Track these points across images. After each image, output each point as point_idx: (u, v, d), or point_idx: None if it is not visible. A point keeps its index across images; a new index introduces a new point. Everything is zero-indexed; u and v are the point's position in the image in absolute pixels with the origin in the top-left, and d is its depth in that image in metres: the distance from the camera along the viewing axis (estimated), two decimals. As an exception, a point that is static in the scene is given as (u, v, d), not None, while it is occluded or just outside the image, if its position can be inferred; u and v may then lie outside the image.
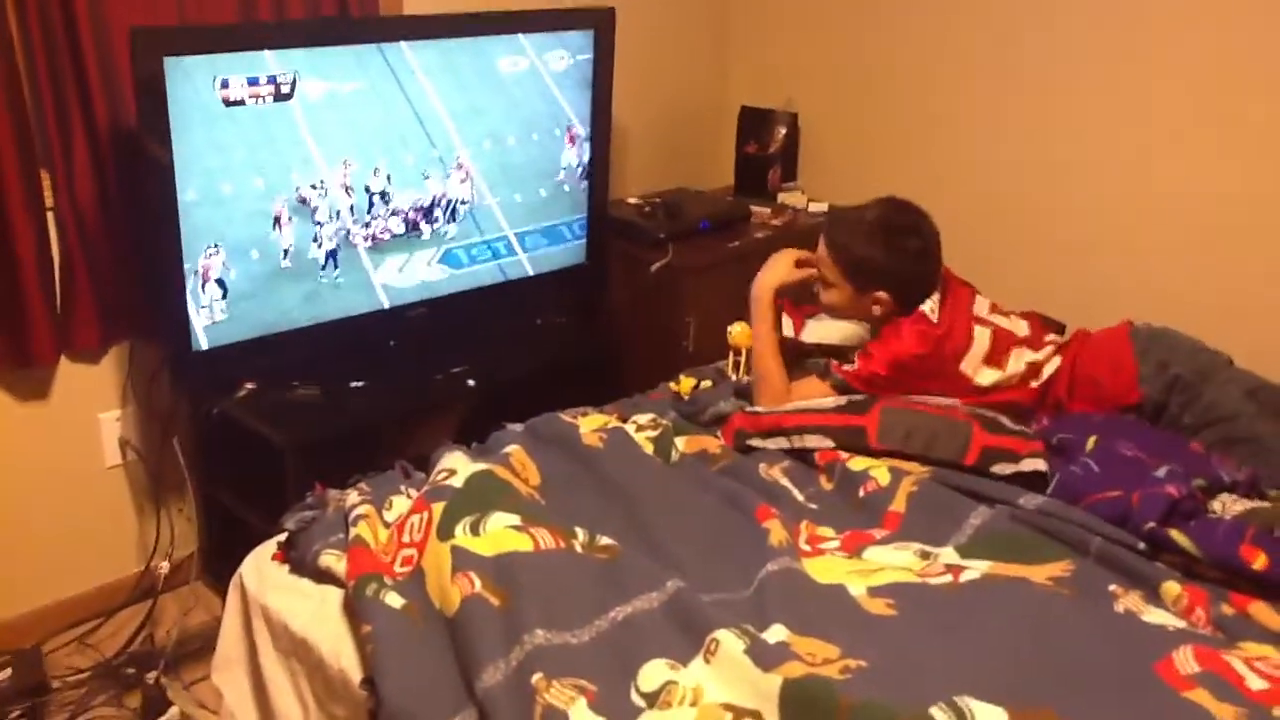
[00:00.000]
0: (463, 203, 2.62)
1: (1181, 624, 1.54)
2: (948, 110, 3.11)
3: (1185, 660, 1.39)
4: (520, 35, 2.61)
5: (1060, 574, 1.65)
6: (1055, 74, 2.86)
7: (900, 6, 3.14)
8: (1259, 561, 1.61)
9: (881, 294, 2.24)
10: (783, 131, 3.42)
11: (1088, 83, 2.80)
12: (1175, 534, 1.68)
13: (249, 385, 2.42)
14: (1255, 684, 1.34)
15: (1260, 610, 1.59)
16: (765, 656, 1.40)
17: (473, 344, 2.74)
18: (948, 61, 3.07)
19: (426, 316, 2.64)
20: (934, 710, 1.27)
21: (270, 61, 2.19)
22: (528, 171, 2.75)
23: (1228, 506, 1.83)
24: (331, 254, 2.41)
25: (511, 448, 1.93)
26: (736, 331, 2.44)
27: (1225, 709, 1.29)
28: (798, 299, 2.47)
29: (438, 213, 2.57)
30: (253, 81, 2.18)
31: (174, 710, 2.20)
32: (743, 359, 2.42)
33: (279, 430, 2.31)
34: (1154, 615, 1.56)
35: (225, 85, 2.14)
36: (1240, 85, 2.55)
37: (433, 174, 2.54)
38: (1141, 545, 1.72)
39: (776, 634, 1.46)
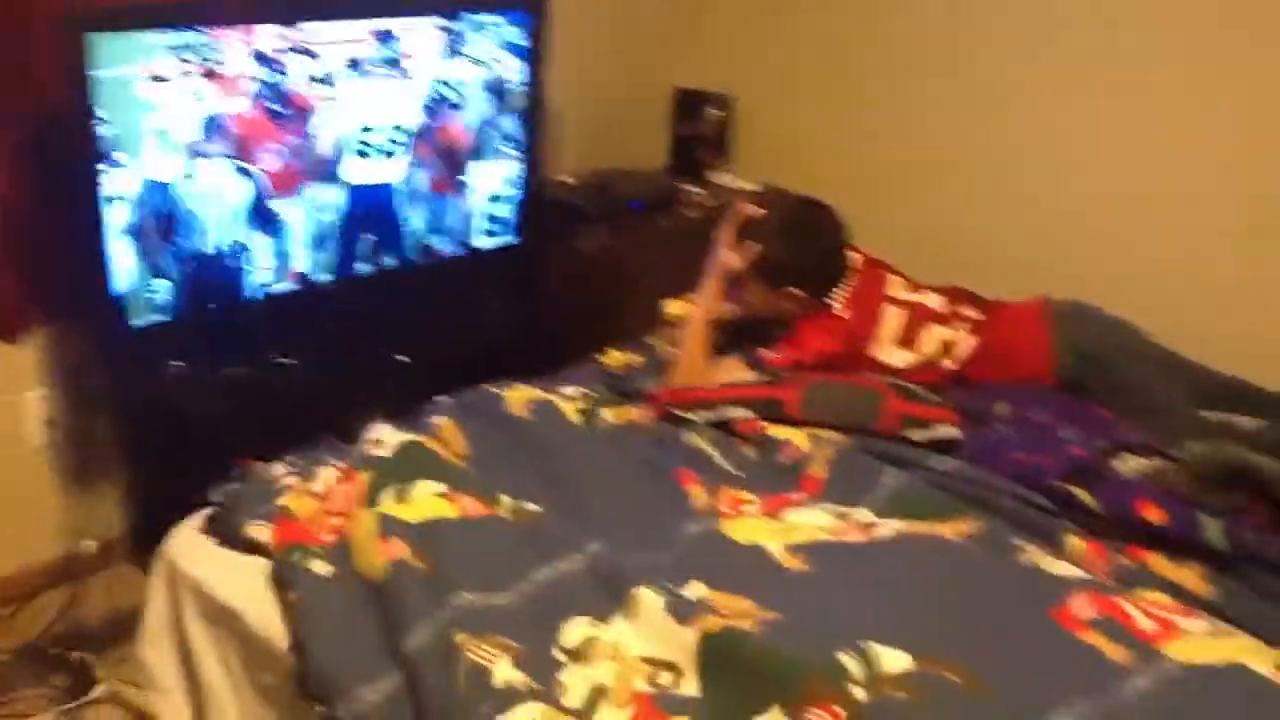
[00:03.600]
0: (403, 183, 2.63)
1: (1082, 574, 1.61)
2: (880, 91, 3.16)
3: (1082, 605, 1.46)
4: (455, 14, 2.62)
5: (969, 531, 1.72)
6: (988, 56, 2.93)
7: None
8: (1154, 515, 1.69)
9: (793, 291, 2.31)
10: (717, 113, 3.47)
11: (1018, 66, 2.87)
12: (1078, 491, 1.76)
13: (177, 364, 2.41)
14: (1145, 624, 1.42)
15: (1157, 561, 1.67)
16: (684, 612, 1.44)
17: (405, 322, 2.75)
18: (881, 43, 3.13)
19: (359, 294, 2.65)
20: (840, 656, 1.32)
21: (198, 38, 2.18)
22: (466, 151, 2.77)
23: (1130, 467, 1.91)
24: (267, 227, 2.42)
25: (439, 419, 1.96)
26: (674, 308, 2.48)
27: (1116, 649, 1.36)
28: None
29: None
30: (182, 59, 2.17)
31: (101, 688, 2.20)
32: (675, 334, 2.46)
33: (207, 409, 2.31)
34: (1056, 567, 1.63)
35: (153, 62, 2.13)
36: (1161, 63, 2.64)
37: (372, 153, 2.55)
38: (1047, 503, 1.79)
39: (695, 590, 1.51)
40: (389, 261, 2.69)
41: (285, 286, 2.50)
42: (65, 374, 2.48)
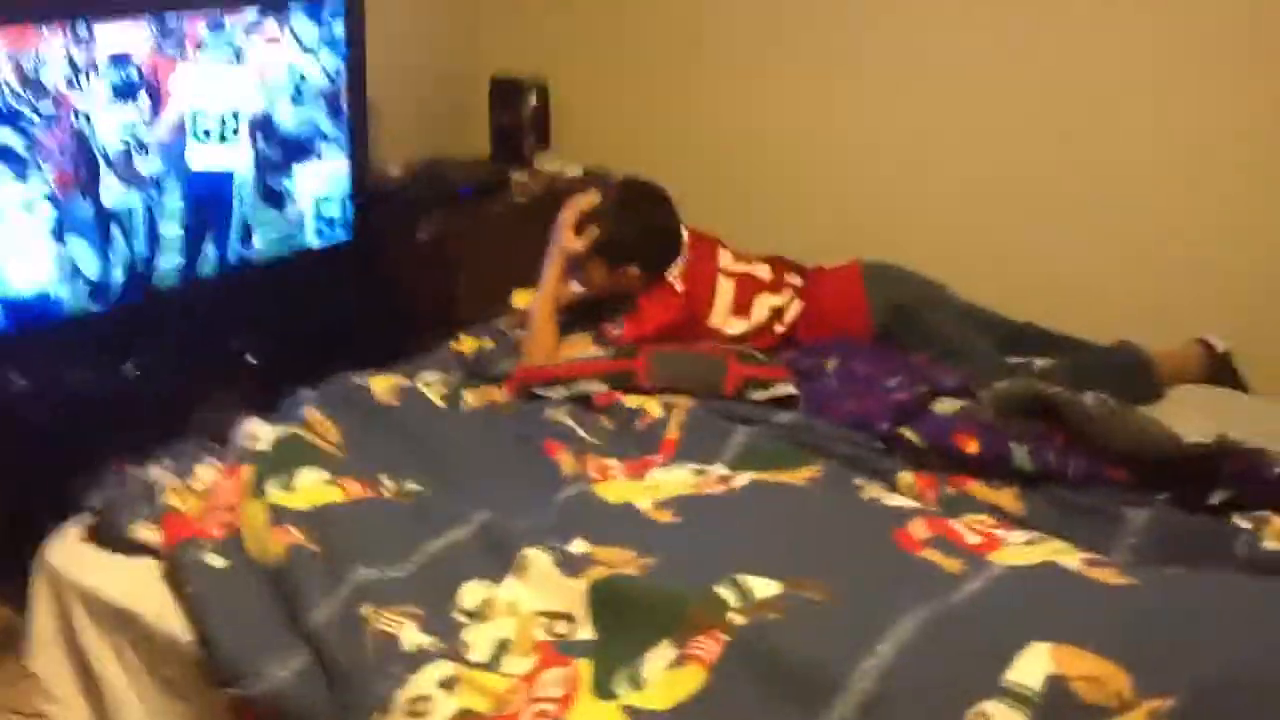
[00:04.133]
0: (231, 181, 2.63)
1: (915, 504, 1.82)
2: (692, 69, 3.33)
3: (918, 528, 1.66)
4: (269, 9, 2.63)
5: (813, 476, 1.91)
6: (791, 34, 3.13)
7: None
8: (971, 446, 1.92)
9: (632, 268, 2.46)
10: (533, 100, 3.57)
11: (822, 44, 3.09)
12: (905, 431, 1.98)
13: (18, 380, 2.37)
14: (972, 539, 1.63)
15: (975, 488, 1.90)
16: (571, 566, 1.58)
17: (248, 324, 2.76)
18: (690, 22, 3.30)
19: (198, 298, 2.65)
20: (718, 588, 1.48)
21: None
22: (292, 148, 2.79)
23: (946, 407, 2.14)
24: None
25: (309, 411, 2.02)
26: (520, 298, 2.61)
27: (950, 561, 1.56)
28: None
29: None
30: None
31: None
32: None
33: (51, 422, 2.28)
34: (892, 499, 1.83)
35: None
36: (961, 34, 2.89)
37: (202, 149, 2.55)
38: (879, 444, 2.00)
39: (578, 547, 1.64)
40: (227, 261, 2.69)
41: (121, 293, 2.48)
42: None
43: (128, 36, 2.35)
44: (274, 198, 2.77)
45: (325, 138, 2.87)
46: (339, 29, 2.80)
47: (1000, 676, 1.29)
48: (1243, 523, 1.79)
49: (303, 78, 2.76)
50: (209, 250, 2.65)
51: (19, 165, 2.24)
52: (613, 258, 2.46)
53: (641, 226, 2.46)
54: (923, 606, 1.43)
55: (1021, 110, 2.83)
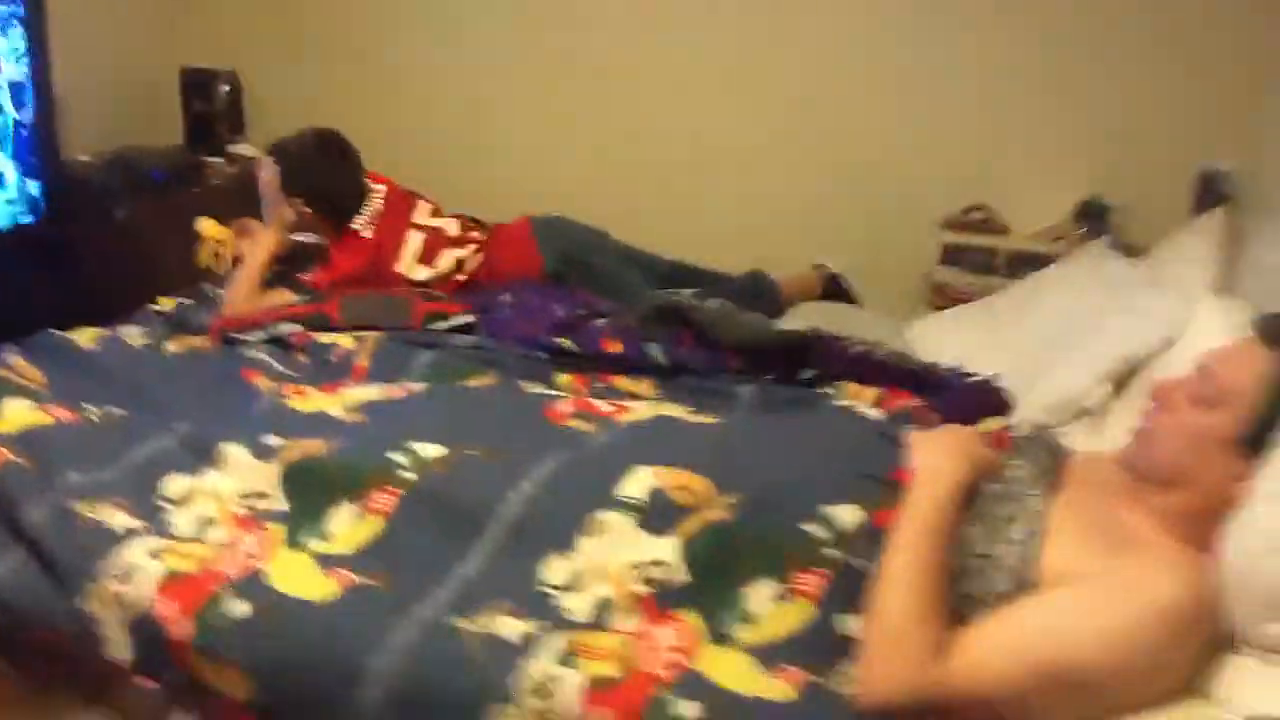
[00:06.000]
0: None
1: (567, 394, 2.16)
2: (374, 52, 3.60)
3: (565, 407, 1.99)
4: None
5: (489, 383, 2.22)
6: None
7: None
8: (615, 347, 2.29)
9: (304, 204, 2.75)
10: (225, 89, 3.73)
11: (502, 24, 3.44)
12: (562, 340, 2.32)
13: None
14: (605, 408, 1.97)
15: (621, 381, 2.27)
16: (265, 455, 1.81)
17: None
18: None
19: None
20: (390, 454, 1.75)
21: None
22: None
23: (600, 323, 2.51)
24: None
25: (11, 358, 2.14)
26: (206, 226, 2.78)
27: (586, 425, 1.89)
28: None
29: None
30: None
31: None
32: (222, 250, 2.76)
33: None
34: (550, 393, 2.17)
35: None
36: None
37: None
38: (542, 355, 2.34)
39: (271, 440, 1.87)
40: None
41: None
42: None
43: None
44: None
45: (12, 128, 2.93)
46: (22, 23, 2.88)
47: (614, 492, 1.64)
48: (828, 390, 2.24)
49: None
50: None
51: None
52: (294, 185, 2.74)
53: (326, 165, 2.77)
54: (560, 455, 1.76)
55: (668, 90, 3.28)
